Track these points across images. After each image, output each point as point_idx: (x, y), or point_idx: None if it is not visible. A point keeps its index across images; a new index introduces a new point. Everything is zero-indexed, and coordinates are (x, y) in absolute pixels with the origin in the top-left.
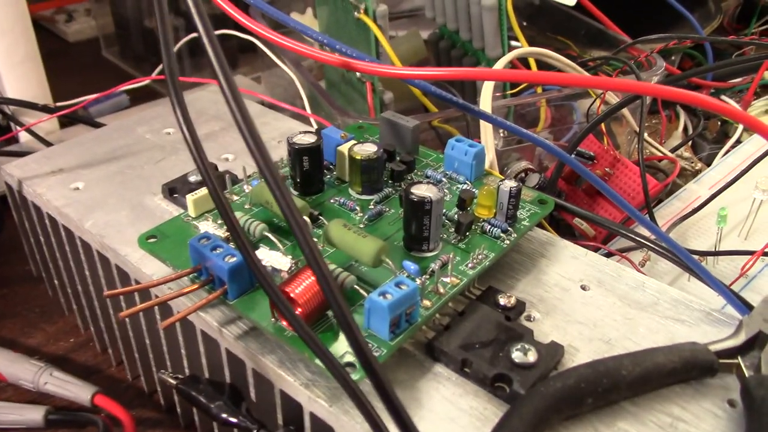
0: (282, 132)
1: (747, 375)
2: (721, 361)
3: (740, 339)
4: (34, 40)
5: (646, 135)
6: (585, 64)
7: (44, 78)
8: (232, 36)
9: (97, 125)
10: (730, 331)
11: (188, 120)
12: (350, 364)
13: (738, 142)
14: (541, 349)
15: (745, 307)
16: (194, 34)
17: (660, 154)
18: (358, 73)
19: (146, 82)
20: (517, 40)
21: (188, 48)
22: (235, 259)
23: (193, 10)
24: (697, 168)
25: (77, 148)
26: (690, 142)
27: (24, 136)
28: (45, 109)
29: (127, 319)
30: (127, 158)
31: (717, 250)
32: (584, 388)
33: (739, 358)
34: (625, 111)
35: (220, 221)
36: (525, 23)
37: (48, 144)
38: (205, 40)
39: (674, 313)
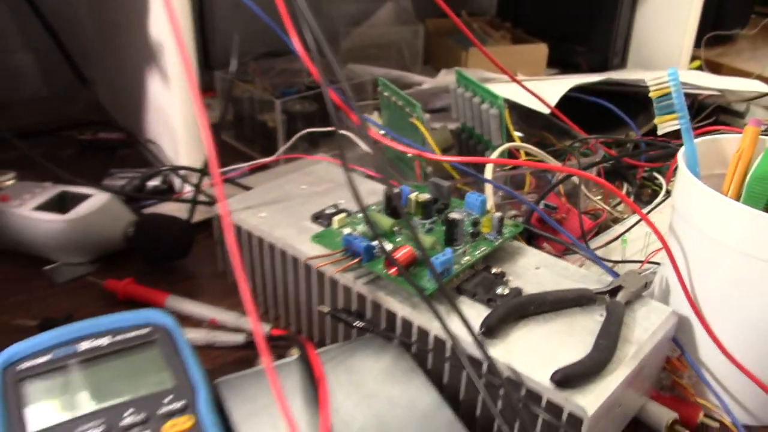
0: (366, 188)
1: (608, 302)
2: (597, 295)
3: (609, 288)
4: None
5: (591, 195)
6: (556, 150)
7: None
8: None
9: (240, 185)
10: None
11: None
12: (424, 290)
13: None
14: (511, 289)
15: (616, 275)
16: (309, 130)
17: (598, 206)
18: (410, 154)
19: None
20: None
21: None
22: (365, 243)
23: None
24: (622, 216)
25: (258, 195)
26: None
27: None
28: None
29: (289, 286)
30: (286, 201)
31: (622, 259)
32: (528, 304)
33: (607, 296)
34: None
35: (348, 229)
36: (520, 120)
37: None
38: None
39: (580, 279)
